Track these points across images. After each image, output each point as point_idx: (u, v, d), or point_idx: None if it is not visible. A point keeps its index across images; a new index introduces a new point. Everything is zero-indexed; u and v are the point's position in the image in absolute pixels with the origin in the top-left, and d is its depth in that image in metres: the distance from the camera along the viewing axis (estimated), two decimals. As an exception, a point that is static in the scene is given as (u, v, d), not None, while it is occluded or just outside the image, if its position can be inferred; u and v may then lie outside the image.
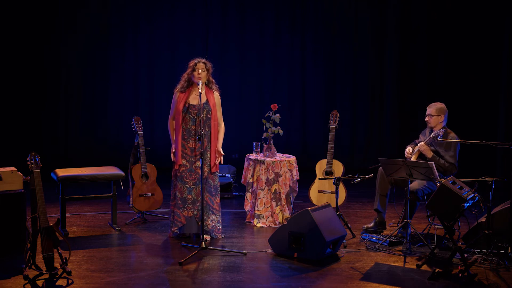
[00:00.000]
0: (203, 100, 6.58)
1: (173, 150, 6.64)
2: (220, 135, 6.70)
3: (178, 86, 6.69)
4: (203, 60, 6.62)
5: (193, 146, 6.61)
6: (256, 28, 11.00)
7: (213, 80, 6.72)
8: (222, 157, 6.65)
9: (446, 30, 10.73)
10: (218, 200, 6.74)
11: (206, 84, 6.65)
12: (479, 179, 6.13)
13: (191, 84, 6.65)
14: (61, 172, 6.97)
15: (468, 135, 7.93)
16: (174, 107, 6.65)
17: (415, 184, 6.67)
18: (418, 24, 10.87)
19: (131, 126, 7.53)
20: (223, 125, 6.74)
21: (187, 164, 6.65)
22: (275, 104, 7.54)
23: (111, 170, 7.17)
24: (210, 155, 6.62)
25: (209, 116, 6.61)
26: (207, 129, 6.62)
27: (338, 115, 7.67)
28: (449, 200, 5.72)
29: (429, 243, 6.48)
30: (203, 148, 6.54)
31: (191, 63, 6.62)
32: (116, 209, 7.16)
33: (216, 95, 6.70)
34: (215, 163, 6.63)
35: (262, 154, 7.64)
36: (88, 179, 6.96)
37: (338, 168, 7.63)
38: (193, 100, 6.62)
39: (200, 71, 6.53)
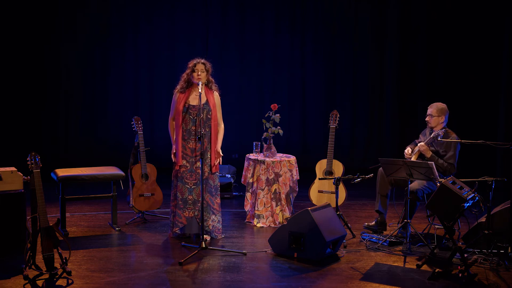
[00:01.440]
0: (203, 100, 6.56)
1: (174, 151, 6.62)
2: (219, 136, 6.68)
3: (178, 87, 6.66)
4: (203, 61, 6.58)
5: (193, 147, 6.58)
6: (256, 28, 11.00)
7: (213, 80, 6.70)
8: (221, 158, 6.64)
9: (446, 30, 10.73)
10: (218, 200, 6.73)
11: (205, 84, 6.62)
12: (479, 179, 6.13)
13: (190, 84, 6.63)
14: (61, 172, 6.97)
15: (468, 135, 7.93)
16: (174, 107, 6.63)
17: (415, 184, 6.67)
18: (418, 24, 10.87)
19: (131, 126, 7.52)
20: (222, 125, 6.72)
21: (187, 164, 6.62)
22: (275, 104, 7.54)
23: (111, 170, 7.17)
24: (210, 155, 6.60)
25: (209, 116, 6.58)
26: (207, 130, 6.59)
27: (338, 115, 7.66)
28: (449, 200, 5.71)
29: (429, 243, 6.48)
30: (203, 148, 6.52)
31: (190, 64, 6.57)
32: (116, 209, 7.16)
33: (216, 96, 6.68)
34: (215, 164, 6.61)
35: (262, 154, 7.64)
36: (88, 179, 6.96)
37: (338, 168, 7.63)
38: (193, 100, 6.59)
39: (199, 72, 6.51)
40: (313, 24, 10.97)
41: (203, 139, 6.51)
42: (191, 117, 6.56)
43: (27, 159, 5.49)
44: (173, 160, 6.64)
